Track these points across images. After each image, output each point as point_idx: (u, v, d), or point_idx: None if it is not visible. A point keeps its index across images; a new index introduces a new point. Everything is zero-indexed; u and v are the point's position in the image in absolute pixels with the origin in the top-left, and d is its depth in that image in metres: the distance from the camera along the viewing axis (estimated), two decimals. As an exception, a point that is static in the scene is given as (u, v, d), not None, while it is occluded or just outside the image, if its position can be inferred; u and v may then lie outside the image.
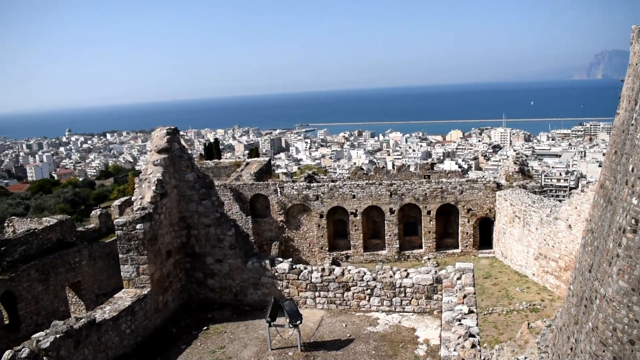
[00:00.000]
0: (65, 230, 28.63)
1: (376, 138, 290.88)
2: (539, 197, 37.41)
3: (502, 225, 39.90)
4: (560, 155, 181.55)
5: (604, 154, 32.27)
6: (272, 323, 12.93)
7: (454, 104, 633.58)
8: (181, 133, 20.00)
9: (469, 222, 42.33)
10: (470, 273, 13.51)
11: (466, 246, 42.95)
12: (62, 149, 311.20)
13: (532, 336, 24.36)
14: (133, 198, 14.90)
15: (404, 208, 43.50)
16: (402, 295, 14.46)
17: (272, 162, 77.53)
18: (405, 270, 14.73)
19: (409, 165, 53.60)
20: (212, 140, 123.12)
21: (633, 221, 13.64)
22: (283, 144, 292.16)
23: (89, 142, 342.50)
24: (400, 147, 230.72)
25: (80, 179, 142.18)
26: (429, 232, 43.28)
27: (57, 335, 11.00)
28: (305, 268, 15.33)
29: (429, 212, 42.75)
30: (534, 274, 35.40)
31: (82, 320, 11.91)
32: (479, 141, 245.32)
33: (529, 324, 25.92)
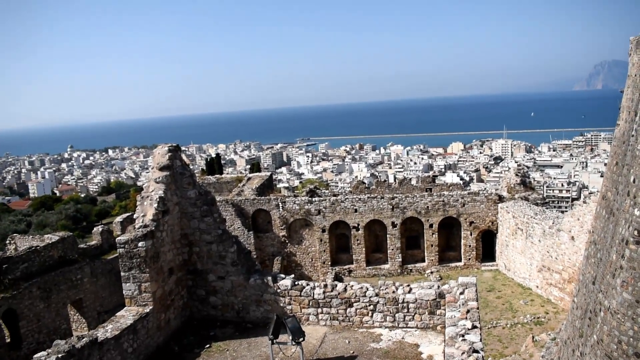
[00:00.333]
0: (67, 247, 28.62)
1: (377, 151, 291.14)
2: (541, 208, 37.34)
3: (504, 237, 39.79)
4: (561, 166, 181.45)
5: (605, 164, 32.25)
6: (274, 340, 12.85)
7: (455, 116, 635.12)
8: (183, 148, 20.02)
9: (471, 234, 42.22)
10: (473, 288, 13.45)
11: (469, 259, 42.79)
12: (64, 165, 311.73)
13: (537, 349, 24.20)
14: (135, 215, 14.90)
15: (406, 221, 43.43)
16: (405, 310, 14.39)
17: (274, 176, 77.61)
18: (408, 286, 14.67)
19: (410, 179, 53.61)
20: (213, 155, 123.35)
21: (636, 232, 13.60)
22: (284, 158, 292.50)
23: (91, 158, 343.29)
24: (401, 160, 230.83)
25: (82, 195, 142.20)
26: (432, 245, 43.15)
27: (59, 355, 10.95)
28: (307, 284, 15.27)
29: (431, 226, 42.66)
30: (537, 287, 35.23)
31: (84, 339, 11.85)
32: (480, 153, 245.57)
33: (533, 337, 25.77)
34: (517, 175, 43.93)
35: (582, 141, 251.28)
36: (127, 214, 40.42)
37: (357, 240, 43.76)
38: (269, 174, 58.91)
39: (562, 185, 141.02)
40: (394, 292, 14.54)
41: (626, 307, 13.60)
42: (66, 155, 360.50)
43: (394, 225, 42.98)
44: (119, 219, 37.96)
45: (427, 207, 42.33)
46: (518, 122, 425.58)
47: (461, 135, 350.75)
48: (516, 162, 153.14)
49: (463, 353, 10.32)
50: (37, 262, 26.26)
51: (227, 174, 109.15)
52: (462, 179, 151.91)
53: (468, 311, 12.15)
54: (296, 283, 15.34)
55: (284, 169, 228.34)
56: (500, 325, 30.51)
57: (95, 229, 34.32)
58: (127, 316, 13.82)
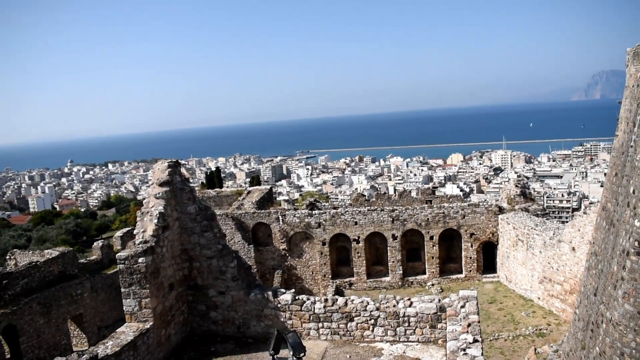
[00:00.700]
0: (67, 262, 28.56)
1: (377, 163, 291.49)
2: (542, 219, 37.30)
3: (505, 249, 39.73)
4: (561, 176, 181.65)
5: (605, 174, 32.37)
6: (275, 356, 12.82)
7: (454, 128, 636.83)
8: (182, 162, 20.05)
9: (472, 246, 42.15)
10: (474, 301, 13.41)
11: (470, 271, 42.67)
12: (64, 179, 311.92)
13: (540, 362, 24.06)
14: (135, 231, 14.91)
15: (407, 234, 43.37)
16: (406, 324, 14.34)
17: (274, 189, 77.62)
18: (409, 299, 14.64)
19: (410, 191, 53.56)
20: (213, 169, 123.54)
21: (636, 243, 13.60)
22: (284, 171, 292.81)
23: (91, 172, 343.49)
24: (401, 172, 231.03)
25: (82, 210, 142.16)
26: (432, 257, 43.05)
27: (59, 373, 10.91)
28: (308, 299, 15.24)
29: (431, 238, 42.60)
30: (539, 298, 35.11)
31: (84, 356, 11.82)
32: (480, 164, 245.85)
33: (535, 349, 25.60)
34: (517, 186, 43.96)
35: (582, 151, 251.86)
36: (127, 229, 40.37)
37: (358, 253, 43.67)
38: (268, 187, 58.94)
39: (562, 195, 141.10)
40: (394, 306, 14.50)
41: (628, 318, 13.56)
42: (66, 170, 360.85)
43: (394, 237, 42.92)
44: (119, 233, 37.91)
45: (428, 219, 42.30)
46: (517, 132, 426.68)
47: (460, 147, 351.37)
48: (516, 172, 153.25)
49: (465, 367, 10.28)
50: (37, 278, 26.19)
51: (227, 187, 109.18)
52: (462, 190, 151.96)
53: (469, 325, 12.11)
54: (297, 298, 15.31)
55: (283, 182, 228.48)
56: (502, 337, 30.36)
57: (95, 243, 34.29)
58: (127, 332, 13.77)
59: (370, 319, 14.63)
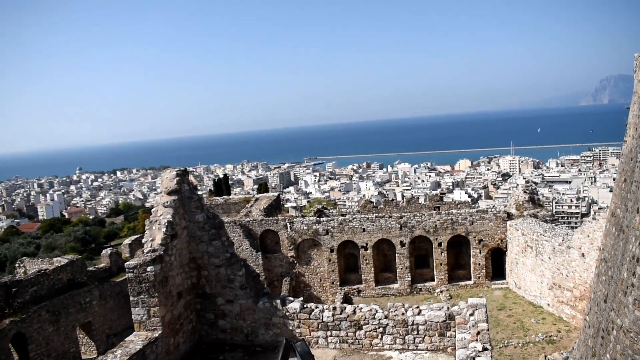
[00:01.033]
0: (75, 270, 28.68)
1: (385, 169, 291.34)
2: (551, 225, 37.08)
3: (514, 255, 39.52)
4: (570, 182, 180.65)
5: (614, 179, 32.12)
6: (284, 364, 12.80)
7: (461, 133, 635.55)
8: (190, 169, 20.11)
9: (480, 253, 41.95)
10: (483, 309, 13.34)
11: (479, 277, 42.46)
12: (72, 187, 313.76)
13: (550, 370, 23.88)
14: (143, 240, 14.95)
15: (415, 240, 43.24)
16: (415, 332, 14.28)
17: (282, 196, 77.68)
18: (418, 307, 14.58)
19: (418, 197, 53.50)
20: (221, 176, 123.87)
21: (646, 251, 13.51)
22: (292, 178, 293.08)
23: (99, 180, 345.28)
24: (409, 178, 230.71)
25: (91, 217, 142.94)
26: (441, 264, 42.87)
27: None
28: (316, 307, 15.21)
29: (440, 244, 42.44)
30: (548, 304, 34.86)
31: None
32: (488, 170, 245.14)
33: (545, 356, 25.41)
34: (525, 192, 43.76)
35: (590, 156, 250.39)
36: (136, 236, 40.50)
37: (366, 259, 43.57)
38: (276, 194, 59.01)
39: (571, 201, 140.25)
40: (403, 314, 14.44)
41: (639, 325, 13.44)
42: (75, 178, 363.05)
43: (402, 244, 42.80)
44: (127, 241, 38.06)
45: (436, 225, 42.17)
46: (525, 138, 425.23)
47: (468, 152, 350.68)
48: (524, 178, 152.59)
49: (474, 376, 10.22)
50: (46, 285, 26.31)
51: (235, 194, 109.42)
52: (470, 196, 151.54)
53: (478, 333, 12.05)
54: (305, 306, 15.28)
55: (291, 189, 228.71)
56: (512, 344, 30.14)
57: (104, 251, 34.42)
58: (136, 341, 13.80)
59: (378, 327, 14.58)
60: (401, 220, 42.53)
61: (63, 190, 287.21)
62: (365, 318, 14.65)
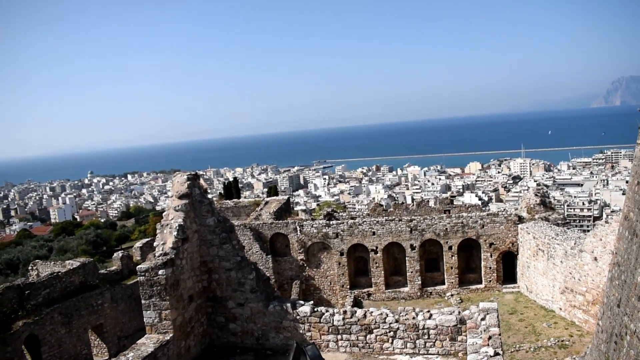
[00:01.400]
0: (87, 273, 28.89)
1: (394, 172, 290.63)
2: (562, 229, 36.81)
3: (525, 259, 39.25)
4: (582, 185, 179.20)
5: (627, 182, 31.82)
6: (294, 368, 12.79)
7: (472, 136, 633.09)
8: (200, 173, 20.24)
9: (491, 256, 41.72)
10: (494, 313, 13.27)
11: (490, 281, 42.21)
12: (84, 190, 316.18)
13: (562, 374, 23.70)
14: (155, 243, 15.04)
15: (425, 244, 43.08)
16: (426, 337, 14.23)
17: (291, 199, 77.72)
18: (428, 311, 14.53)
19: (428, 200, 53.34)
20: (231, 179, 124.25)
21: (660, 255, 13.37)
22: (301, 181, 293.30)
23: (111, 183, 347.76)
24: (419, 181, 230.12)
25: (102, 220, 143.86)
26: (451, 267, 42.68)
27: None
28: (327, 311, 15.21)
29: (450, 248, 42.27)
30: (560, 309, 34.58)
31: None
32: (499, 172, 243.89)
33: (558, 361, 25.25)
34: (536, 195, 43.47)
35: (603, 159, 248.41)
36: (147, 239, 40.74)
37: (376, 263, 43.48)
38: (286, 197, 59.07)
39: (583, 204, 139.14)
40: (414, 318, 14.40)
41: (653, 331, 13.30)
42: (86, 181, 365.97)
43: (412, 247, 42.68)
44: (138, 244, 38.31)
45: (446, 229, 42.01)
46: (536, 140, 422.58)
47: (478, 155, 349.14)
48: (535, 181, 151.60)
49: (486, 381, 10.17)
50: (59, 288, 26.52)
51: (245, 197, 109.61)
52: (480, 199, 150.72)
53: (490, 337, 11.99)
54: (315, 309, 15.29)
55: (301, 192, 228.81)
56: (524, 349, 29.93)
57: (115, 254, 34.65)
58: (147, 344, 13.87)
59: (389, 331, 14.54)
60: (411, 224, 42.41)
61: (75, 194, 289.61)
62: (376, 322, 14.63)
